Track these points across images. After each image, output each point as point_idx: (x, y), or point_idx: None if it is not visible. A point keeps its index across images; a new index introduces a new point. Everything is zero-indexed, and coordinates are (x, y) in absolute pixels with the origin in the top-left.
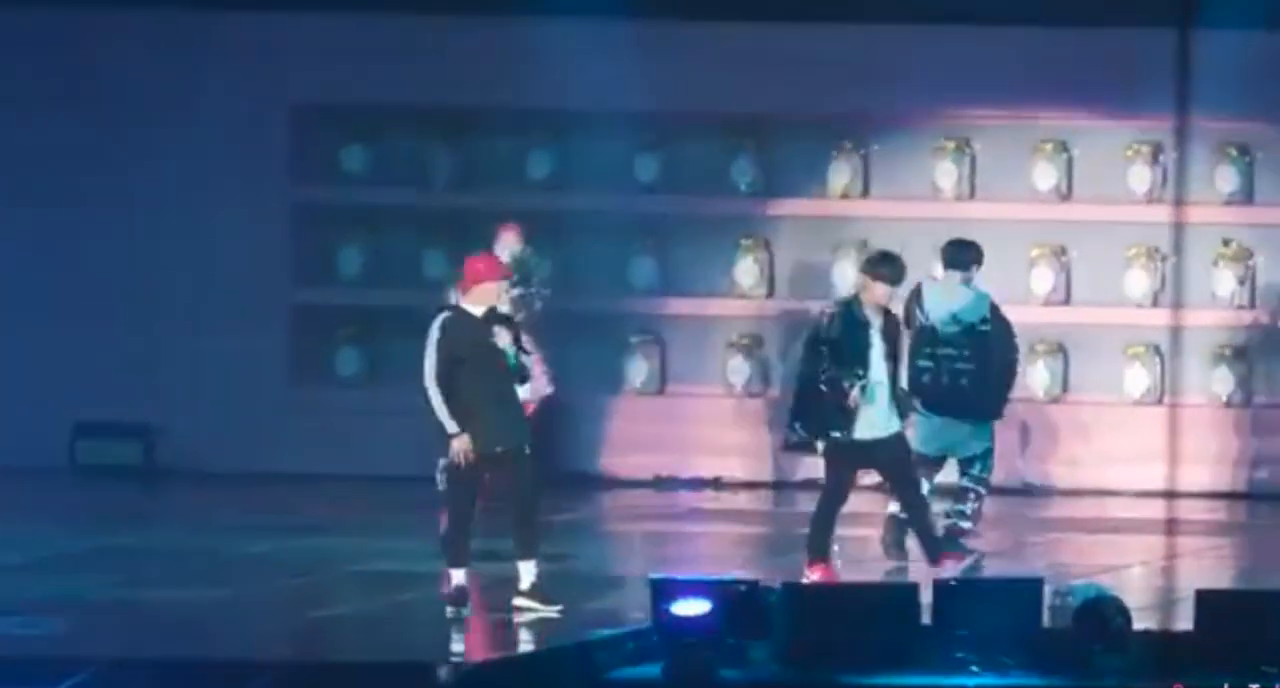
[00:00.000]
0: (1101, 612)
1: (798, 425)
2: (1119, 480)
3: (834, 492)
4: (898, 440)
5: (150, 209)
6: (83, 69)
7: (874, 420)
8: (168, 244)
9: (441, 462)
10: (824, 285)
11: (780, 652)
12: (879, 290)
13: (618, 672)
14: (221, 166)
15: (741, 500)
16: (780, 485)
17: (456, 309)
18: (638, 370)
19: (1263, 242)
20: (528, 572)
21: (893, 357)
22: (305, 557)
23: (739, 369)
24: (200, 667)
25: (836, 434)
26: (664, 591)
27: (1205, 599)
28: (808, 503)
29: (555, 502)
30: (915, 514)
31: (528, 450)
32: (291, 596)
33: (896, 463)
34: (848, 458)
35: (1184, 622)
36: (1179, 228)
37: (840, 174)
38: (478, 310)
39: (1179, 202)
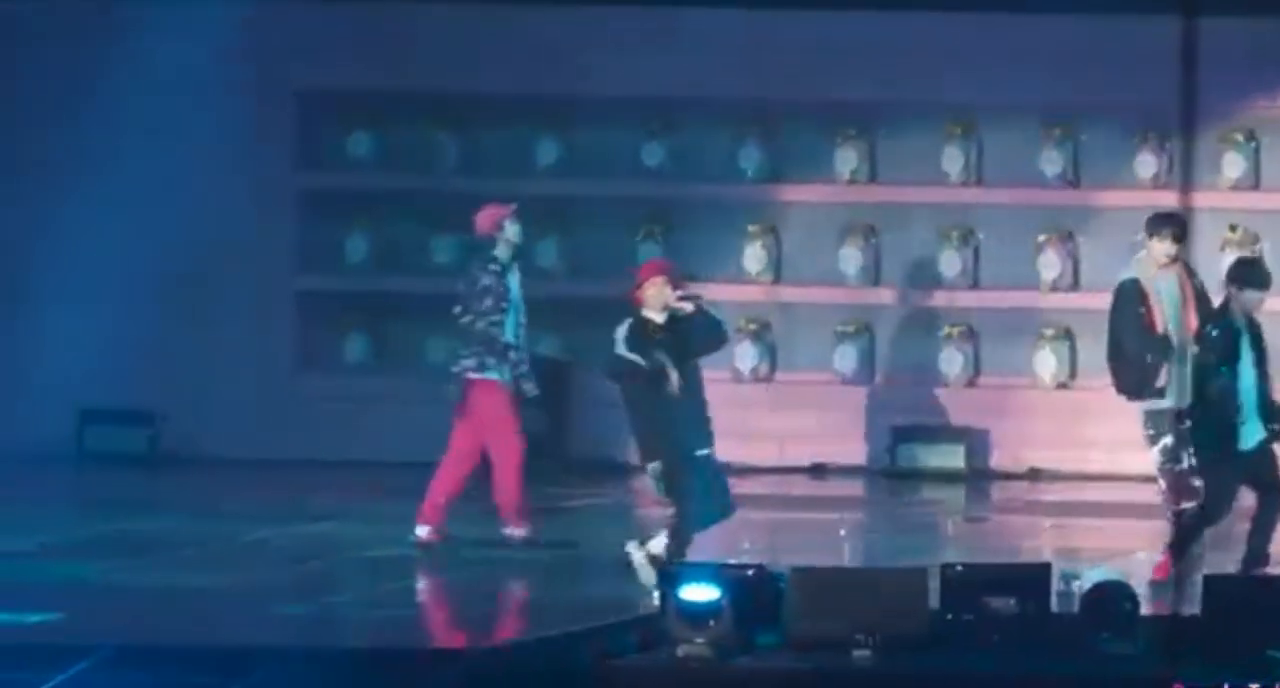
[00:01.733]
0: (1109, 598)
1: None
2: (1128, 465)
3: (1217, 504)
4: (1266, 450)
5: (157, 196)
6: (89, 57)
7: (1250, 431)
8: (174, 231)
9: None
10: (832, 271)
11: (788, 638)
12: (1247, 297)
13: (624, 658)
14: (227, 153)
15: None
16: (778, 470)
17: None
18: None
19: (1269, 226)
20: (658, 542)
21: (1259, 364)
22: (312, 543)
23: (746, 354)
24: (206, 653)
25: (1230, 446)
26: (673, 576)
27: (1213, 585)
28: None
29: (571, 487)
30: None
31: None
32: (298, 582)
33: (1268, 472)
34: (1234, 470)
35: (1192, 607)
36: (1186, 213)
37: (847, 160)
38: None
39: (1185, 187)
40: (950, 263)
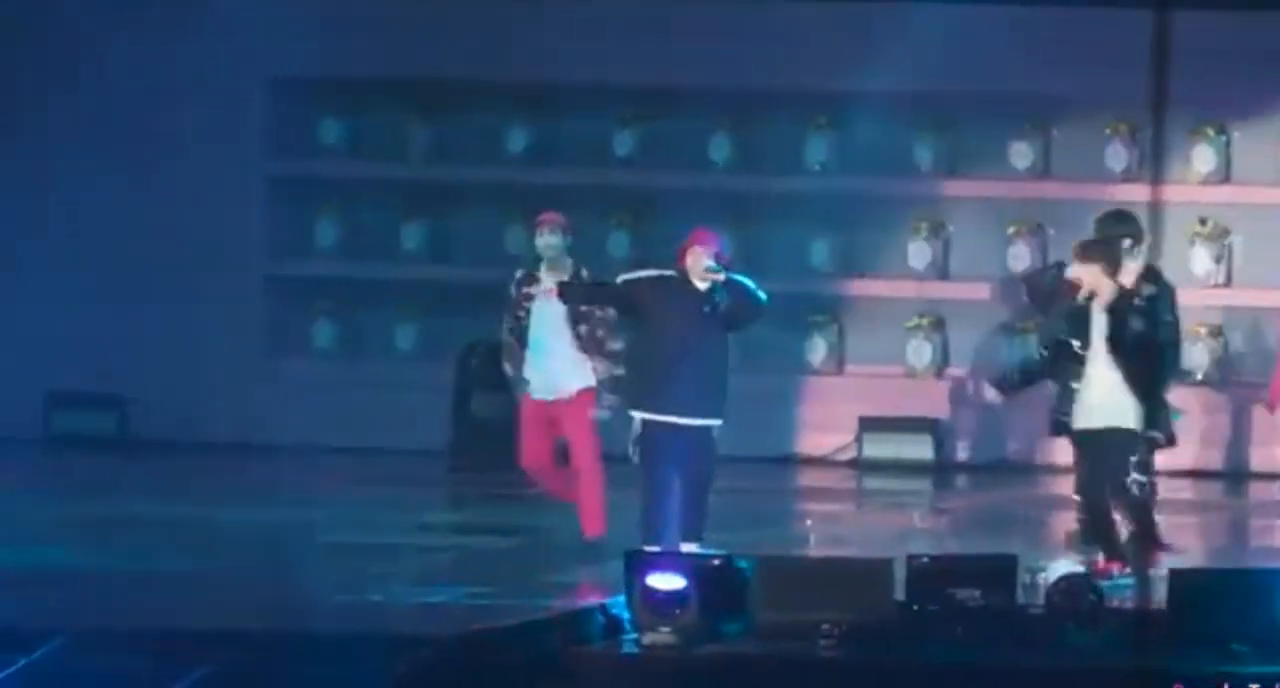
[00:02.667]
0: (1074, 589)
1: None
2: None
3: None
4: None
5: (126, 181)
6: (57, 41)
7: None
8: (144, 216)
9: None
10: (802, 263)
11: (753, 627)
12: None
13: (588, 646)
14: (198, 139)
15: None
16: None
17: None
18: None
19: (1240, 220)
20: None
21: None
22: (279, 528)
23: None
24: (173, 637)
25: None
26: (638, 564)
27: (1178, 578)
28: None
29: None
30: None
31: None
32: (265, 567)
33: None
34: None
35: (1157, 600)
36: (1156, 206)
37: (817, 150)
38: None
39: (1156, 180)
40: (920, 255)
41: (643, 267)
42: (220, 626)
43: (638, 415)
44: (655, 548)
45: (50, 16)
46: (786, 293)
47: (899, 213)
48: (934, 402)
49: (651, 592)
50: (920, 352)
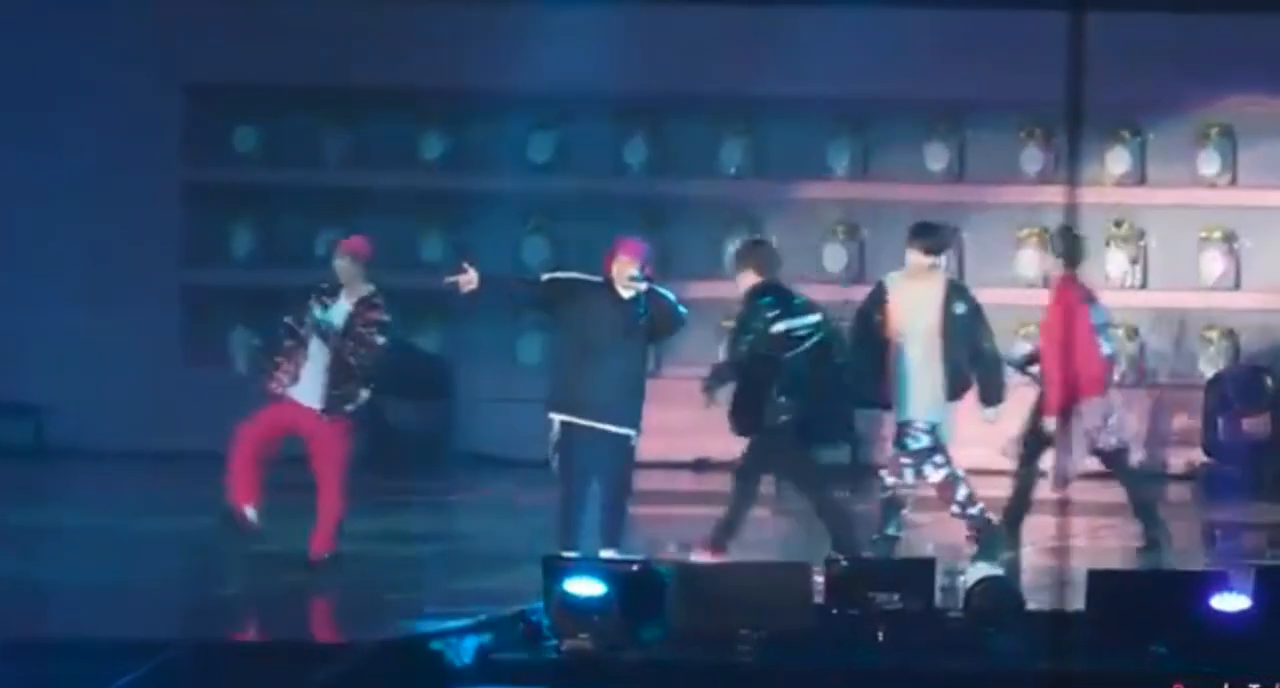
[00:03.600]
0: (993, 592)
1: None
2: (1011, 461)
3: None
4: None
5: (41, 187)
6: None
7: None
8: (59, 223)
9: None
10: (718, 267)
11: (673, 633)
12: None
13: (508, 653)
14: (114, 146)
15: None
16: (661, 465)
17: None
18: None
19: (1154, 221)
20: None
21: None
22: (197, 536)
23: None
24: (93, 646)
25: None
26: (556, 570)
27: (1097, 580)
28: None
29: (454, 481)
30: None
31: None
32: (184, 576)
33: None
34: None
35: (1076, 602)
36: (1071, 209)
37: (733, 155)
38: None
39: (1071, 182)
40: (835, 257)
41: (561, 269)
42: (138, 635)
43: (556, 418)
44: (572, 554)
45: None
46: (696, 297)
47: (815, 216)
48: None
49: (570, 598)
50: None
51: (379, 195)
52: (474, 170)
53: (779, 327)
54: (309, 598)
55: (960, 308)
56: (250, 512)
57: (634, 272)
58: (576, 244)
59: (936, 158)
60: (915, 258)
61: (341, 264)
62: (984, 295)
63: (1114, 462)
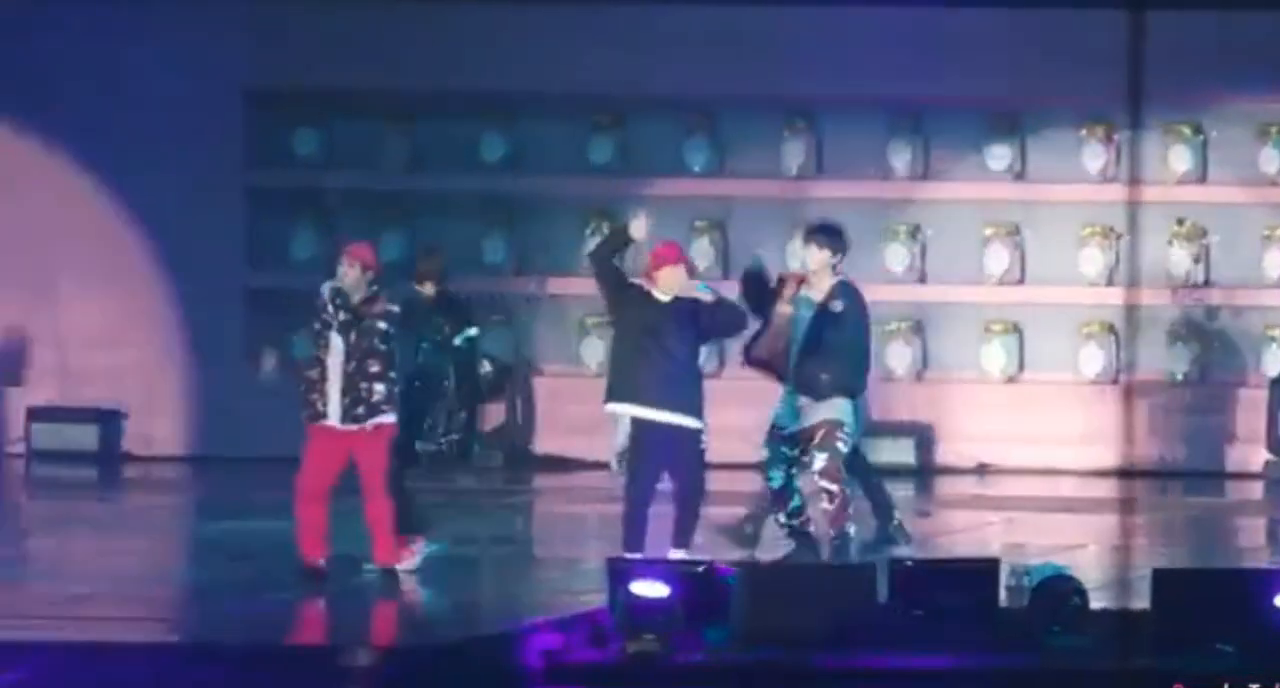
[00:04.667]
0: (1058, 591)
1: None
2: (1074, 459)
3: None
4: None
5: (105, 195)
6: (37, 56)
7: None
8: (125, 227)
9: None
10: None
11: (737, 634)
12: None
13: (574, 655)
14: (176, 152)
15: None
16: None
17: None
18: (594, 352)
19: (1216, 220)
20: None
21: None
22: (255, 539)
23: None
24: (154, 650)
25: None
26: (621, 573)
27: (1162, 578)
28: None
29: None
30: None
31: None
32: (248, 579)
33: None
34: None
35: (1141, 601)
36: (1133, 207)
37: (795, 154)
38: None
39: (1133, 181)
40: (897, 258)
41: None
42: (197, 638)
43: (625, 411)
44: (637, 555)
45: (26, 31)
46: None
47: (875, 217)
48: (914, 405)
49: (635, 600)
50: (900, 355)
51: (439, 198)
52: (534, 173)
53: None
54: (368, 601)
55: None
56: (322, 563)
57: (700, 284)
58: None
59: (997, 157)
60: (806, 253)
61: (348, 272)
62: (1046, 294)
63: None
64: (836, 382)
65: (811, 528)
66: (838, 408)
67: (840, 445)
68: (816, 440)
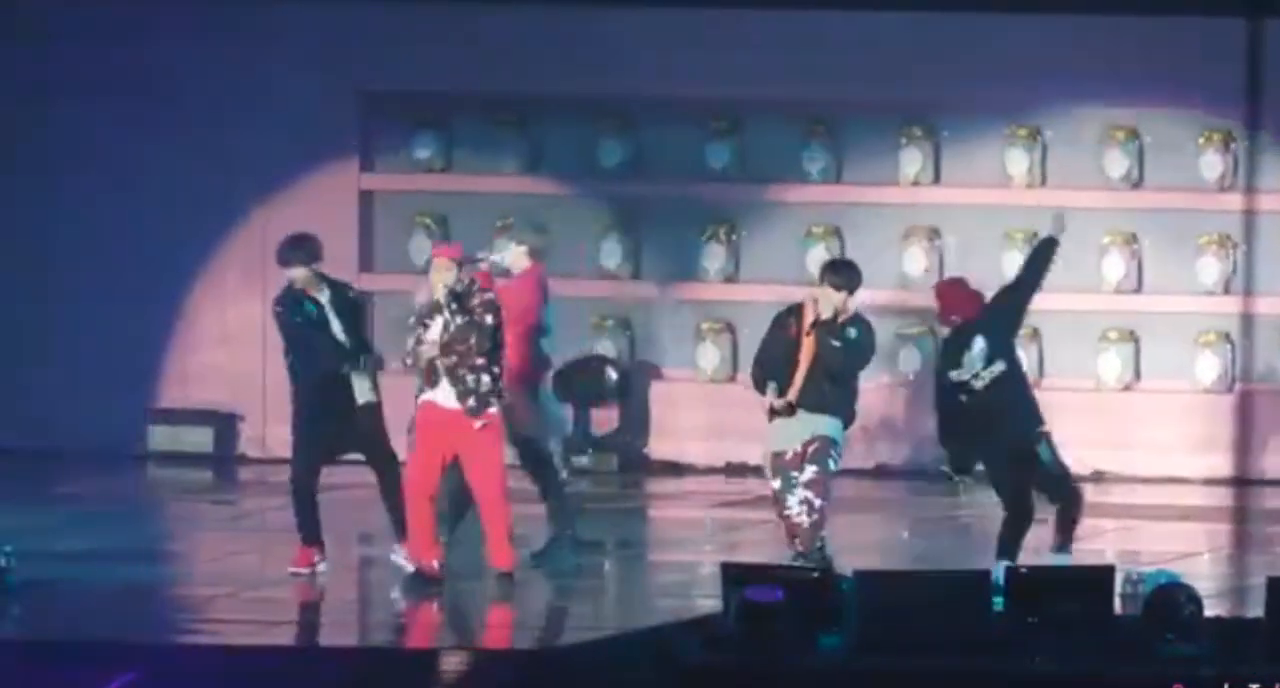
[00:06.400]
0: (1173, 600)
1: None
2: (1190, 468)
3: None
4: None
5: (220, 199)
6: (151, 58)
7: None
8: (240, 231)
9: None
10: (895, 273)
11: (852, 640)
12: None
13: (688, 659)
14: (293, 155)
15: None
16: None
17: None
18: (708, 357)
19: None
20: None
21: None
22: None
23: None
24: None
25: None
26: (735, 578)
27: (1276, 587)
28: None
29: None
30: None
31: None
32: (360, 581)
33: None
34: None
35: (1255, 609)
36: (1250, 215)
37: (912, 161)
38: None
39: (1250, 189)
40: (1014, 265)
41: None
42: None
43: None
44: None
45: (142, 34)
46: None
47: (992, 224)
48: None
49: (750, 605)
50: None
51: (558, 202)
52: (652, 178)
53: None
54: (487, 604)
55: None
56: (436, 564)
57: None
58: (753, 251)
59: (1115, 164)
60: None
61: (445, 274)
62: (1163, 302)
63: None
64: (841, 402)
65: (829, 549)
66: (835, 427)
67: (830, 463)
68: (809, 454)
